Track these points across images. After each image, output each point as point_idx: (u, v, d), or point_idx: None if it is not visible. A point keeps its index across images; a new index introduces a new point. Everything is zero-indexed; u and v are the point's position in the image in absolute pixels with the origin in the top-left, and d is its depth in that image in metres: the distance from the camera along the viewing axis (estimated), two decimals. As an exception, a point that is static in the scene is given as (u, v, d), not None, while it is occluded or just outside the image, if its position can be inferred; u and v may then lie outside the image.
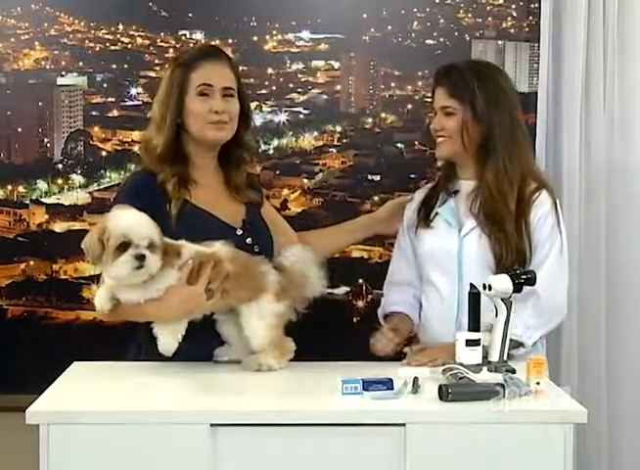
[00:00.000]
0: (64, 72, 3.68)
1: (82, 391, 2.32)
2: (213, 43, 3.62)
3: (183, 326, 2.45)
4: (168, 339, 2.43)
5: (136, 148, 3.65)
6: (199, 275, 2.43)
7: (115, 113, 3.71)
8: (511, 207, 2.68)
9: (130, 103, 3.70)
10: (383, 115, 3.75)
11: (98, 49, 3.69)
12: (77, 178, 3.67)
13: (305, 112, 3.74)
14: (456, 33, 3.74)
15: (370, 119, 3.76)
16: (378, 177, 3.71)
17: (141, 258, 2.34)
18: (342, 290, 3.62)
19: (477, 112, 2.69)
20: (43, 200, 3.66)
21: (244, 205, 2.74)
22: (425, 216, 2.82)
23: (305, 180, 3.73)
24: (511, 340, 2.55)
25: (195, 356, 2.50)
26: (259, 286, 2.49)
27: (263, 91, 3.67)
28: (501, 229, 2.67)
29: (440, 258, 2.75)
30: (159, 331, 2.45)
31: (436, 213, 2.79)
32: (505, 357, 2.42)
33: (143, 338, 2.58)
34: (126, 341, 2.66)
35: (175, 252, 2.43)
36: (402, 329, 2.74)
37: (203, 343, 2.49)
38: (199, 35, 3.69)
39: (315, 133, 3.75)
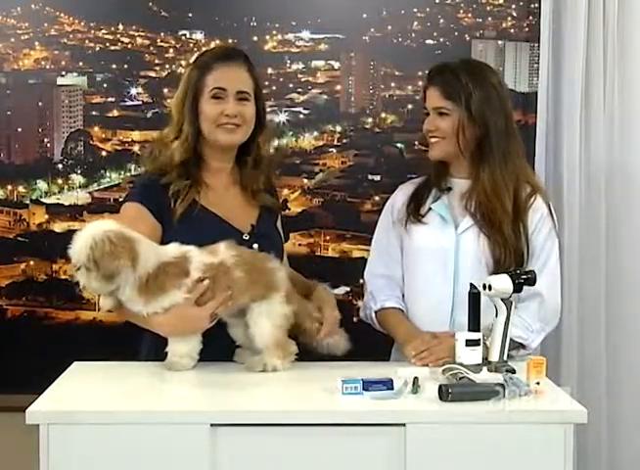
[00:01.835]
0: (64, 72, 3.68)
1: (82, 391, 2.32)
2: (214, 43, 3.63)
3: (197, 345, 2.45)
4: (186, 361, 2.44)
5: (136, 148, 3.67)
6: (209, 295, 2.42)
7: (115, 113, 3.71)
8: (508, 208, 2.67)
9: (130, 103, 3.70)
10: (383, 115, 3.75)
11: (98, 49, 3.69)
12: (77, 178, 3.68)
13: (305, 112, 3.74)
14: (456, 33, 3.74)
15: (370, 119, 3.76)
16: (378, 177, 3.71)
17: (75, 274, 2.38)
18: (342, 290, 3.62)
19: (472, 112, 2.67)
20: (43, 200, 3.66)
21: (257, 210, 2.72)
22: (415, 211, 2.77)
23: (305, 180, 3.73)
24: (514, 341, 2.56)
25: (211, 359, 2.48)
26: (270, 283, 2.48)
27: (263, 91, 3.66)
28: (499, 231, 2.66)
29: (436, 254, 2.71)
30: (174, 352, 2.44)
31: (429, 209, 2.76)
32: (505, 357, 2.42)
33: (154, 337, 2.58)
34: (135, 341, 2.65)
35: (182, 271, 2.40)
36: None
37: (218, 345, 2.48)
38: (199, 35, 3.70)
39: (315, 133, 3.76)
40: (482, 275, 2.55)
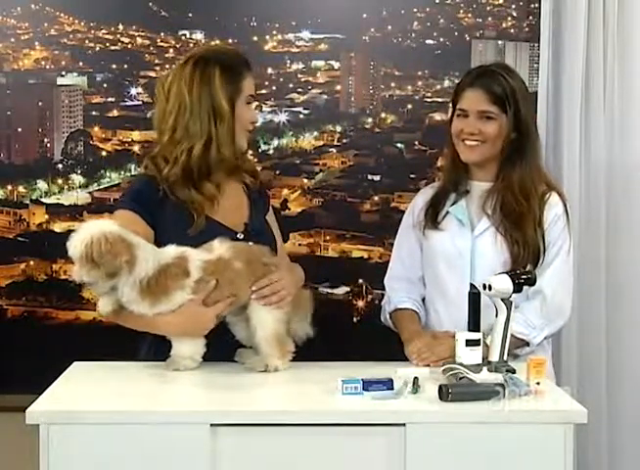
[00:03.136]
0: (64, 72, 3.69)
1: (82, 391, 2.32)
2: (214, 43, 3.64)
3: (201, 349, 2.45)
4: (188, 362, 2.44)
5: (136, 148, 3.67)
6: (216, 293, 2.42)
7: (115, 113, 3.71)
8: (535, 208, 2.67)
9: (130, 103, 3.71)
10: (383, 115, 3.76)
11: (98, 49, 3.69)
12: (77, 178, 3.68)
13: (305, 112, 3.75)
14: (456, 33, 3.74)
15: (370, 119, 3.76)
16: (378, 177, 3.71)
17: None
18: (342, 290, 3.62)
19: (520, 119, 2.67)
20: (43, 200, 3.66)
21: (248, 208, 2.71)
22: (433, 217, 2.77)
23: (305, 180, 3.73)
24: (517, 338, 2.56)
25: (212, 359, 2.48)
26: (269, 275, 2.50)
27: (263, 91, 3.67)
28: (521, 230, 2.66)
29: (452, 257, 2.72)
30: (177, 353, 2.45)
31: (447, 213, 2.76)
32: (505, 357, 2.42)
33: (151, 340, 2.59)
34: (135, 341, 2.65)
35: (183, 271, 2.40)
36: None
37: (220, 345, 2.48)
38: (199, 35, 3.70)
39: (315, 133, 3.76)
40: None
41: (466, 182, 2.78)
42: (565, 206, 2.75)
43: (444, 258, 2.74)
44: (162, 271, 2.39)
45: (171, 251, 2.44)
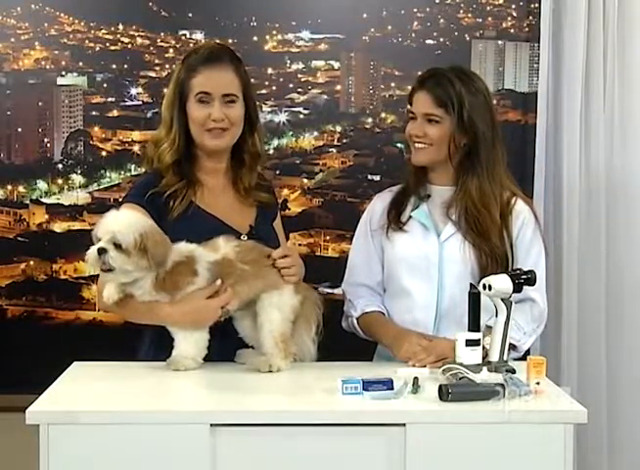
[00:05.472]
0: (64, 72, 3.68)
1: (82, 391, 2.32)
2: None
3: (203, 350, 2.45)
4: (189, 362, 2.44)
5: (136, 148, 3.67)
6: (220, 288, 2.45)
7: (115, 113, 3.71)
8: (496, 217, 2.65)
9: (130, 103, 3.70)
10: (383, 115, 3.75)
11: (98, 49, 3.69)
12: (77, 178, 3.68)
13: (305, 112, 3.74)
14: (456, 33, 3.74)
15: (370, 119, 3.76)
16: (378, 177, 3.71)
17: (101, 251, 2.34)
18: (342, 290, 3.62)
19: (464, 122, 2.64)
20: (43, 200, 3.66)
21: (255, 210, 2.72)
22: (396, 218, 2.74)
23: (305, 180, 3.73)
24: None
25: (213, 360, 2.49)
26: (278, 274, 2.50)
27: (263, 91, 3.67)
28: (487, 240, 2.64)
29: (418, 262, 2.69)
30: (179, 352, 2.45)
31: (409, 217, 2.73)
32: (505, 357, 2.42)
33: (150, 340, 2.60)
34: (135, 341, 2.65)
35: (191, 271, 2.42)
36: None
37: (220, 345, 2.49)
38: (199, 35, 3.70)
39: (315, 133, 3.76)
40: (467, 282, 2.53)
41: (426, 186, 2.76)
42: (532, 210, 2.74)
43: (408, 263, 2.70)
44: (175, 268, 2.41)
45: (183, 248, 2.45)
